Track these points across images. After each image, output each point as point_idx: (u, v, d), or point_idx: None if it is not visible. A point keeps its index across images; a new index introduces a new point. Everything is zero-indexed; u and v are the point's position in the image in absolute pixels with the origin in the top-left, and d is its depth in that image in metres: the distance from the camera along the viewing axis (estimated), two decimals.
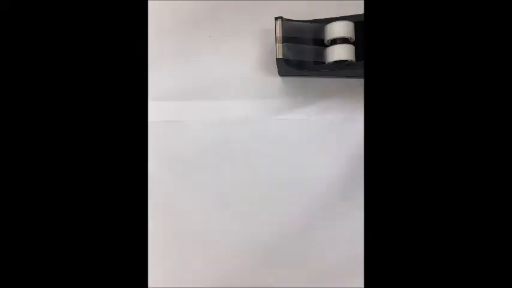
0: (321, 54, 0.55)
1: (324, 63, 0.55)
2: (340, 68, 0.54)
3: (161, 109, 0.56)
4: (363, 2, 0.51)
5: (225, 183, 0.55)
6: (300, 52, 0.54)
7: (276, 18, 0.54)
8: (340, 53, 0.53)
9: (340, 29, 0.53)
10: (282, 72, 0.57)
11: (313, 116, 0.56)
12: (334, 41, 0.54)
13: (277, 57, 0.53)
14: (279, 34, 0.53)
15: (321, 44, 0.55)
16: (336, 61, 0.54)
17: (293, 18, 0.54)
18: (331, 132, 0.56)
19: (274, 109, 0.57)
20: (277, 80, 0.57)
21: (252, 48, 0.57)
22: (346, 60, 0.53)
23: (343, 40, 0.54)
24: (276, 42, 0.53)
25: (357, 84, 0.57)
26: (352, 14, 0.54)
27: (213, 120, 0.56)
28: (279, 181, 0.55)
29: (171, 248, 0.54)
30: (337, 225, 0.54)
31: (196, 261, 0.53)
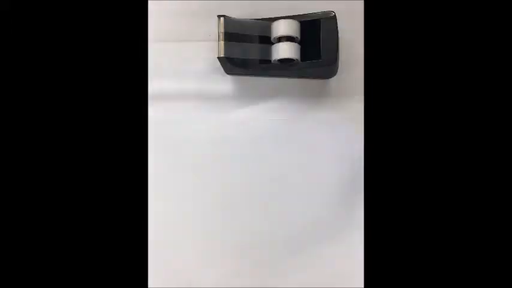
0: (267, 53, 0.54)
1: (270, 62, 0.54)
2: (284, 68, 0.54)
3: (162, 109, 0.55)
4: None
5: (225, 183, 0.54)
6: (245, 50, 0.54)
7: (219, 17, 0.53)
8: (284, 50, 0.53)
9: (285, 28, 0.53)
10: (228, 71, 0.56)
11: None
12: (280, 40, 0.54)
13: (219, 55, 0.52)
14: (222, 32, 0.52)
15: (268, 42, 0.54)
16: (281, 60, 0.53)
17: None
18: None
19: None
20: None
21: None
22: (292, 60, 0.53)
23: (289, 39, 0.53)
24: (218, 41, 0.52)
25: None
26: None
27: (214, 121, 0.55)
28: (279, 181, 0.54)
29: (171, 248, 0.53)
30: (337, 226, 0.53)
31: (196, 261, 0.53)
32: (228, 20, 0.53)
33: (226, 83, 0.57)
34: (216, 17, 0.52)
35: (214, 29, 0.53)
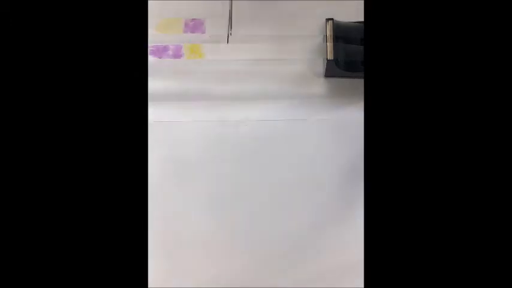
0: None
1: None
2: None
3: (162, 109, 0.57)
4: None
5: (226, 184, 0.55)
6: (349, 52, 0.55)
7: (327, 20, 0.55)
8: None
9: None
10: (329, 73, 0.56)
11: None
12: None
13: (328, 58, 0.54)
14: (330, 35, 0.54)
15: None
16: None
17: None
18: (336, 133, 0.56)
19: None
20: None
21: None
22: None
23: None
24: (326, 43, 0.55)
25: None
26: None
27: (214, 121, 0.57)
28: (280, 181, 0.55)
29: (171, 248, 0.55)
30: (338, 225, 0.53)
31: (196, 261, 0.54)
32: (335, 23, 0.55)
33: (226, 84, 0.58)
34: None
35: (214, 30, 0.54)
